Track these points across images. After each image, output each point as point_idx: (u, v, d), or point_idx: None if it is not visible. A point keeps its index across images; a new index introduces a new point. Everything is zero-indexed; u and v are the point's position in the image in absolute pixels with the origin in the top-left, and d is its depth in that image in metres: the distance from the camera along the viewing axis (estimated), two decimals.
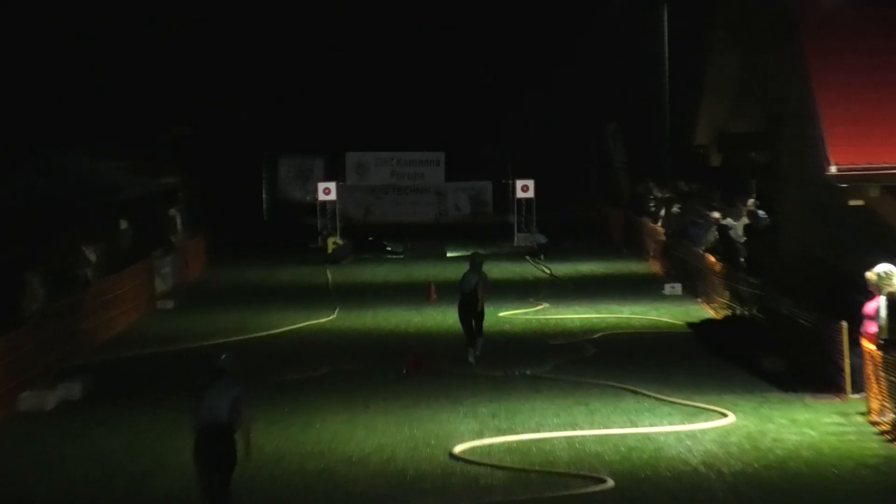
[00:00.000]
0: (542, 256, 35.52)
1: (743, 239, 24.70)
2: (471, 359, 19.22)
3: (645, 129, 42.38)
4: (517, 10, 48.77)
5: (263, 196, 45.83)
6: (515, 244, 40.45)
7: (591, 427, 14.94)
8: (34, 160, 27.95)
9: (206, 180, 40.27)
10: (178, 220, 33.44)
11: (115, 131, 35.92)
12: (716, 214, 27.56)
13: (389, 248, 38.72)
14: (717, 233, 25.93)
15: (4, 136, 30.03)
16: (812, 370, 17.13)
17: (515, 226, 41.44)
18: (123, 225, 28.69)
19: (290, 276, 32.70)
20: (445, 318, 23.79)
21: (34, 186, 25.94)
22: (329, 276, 32.22)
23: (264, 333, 22.78)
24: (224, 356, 11.31)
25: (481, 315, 19.57)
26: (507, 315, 24.31)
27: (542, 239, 36.65)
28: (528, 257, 35.32)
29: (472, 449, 13.98)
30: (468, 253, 37.99)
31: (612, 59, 45.64)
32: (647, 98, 42.16)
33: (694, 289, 26.26)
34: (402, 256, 37.61)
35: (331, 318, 24.58)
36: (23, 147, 29.16)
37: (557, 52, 48.96)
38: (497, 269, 33.21)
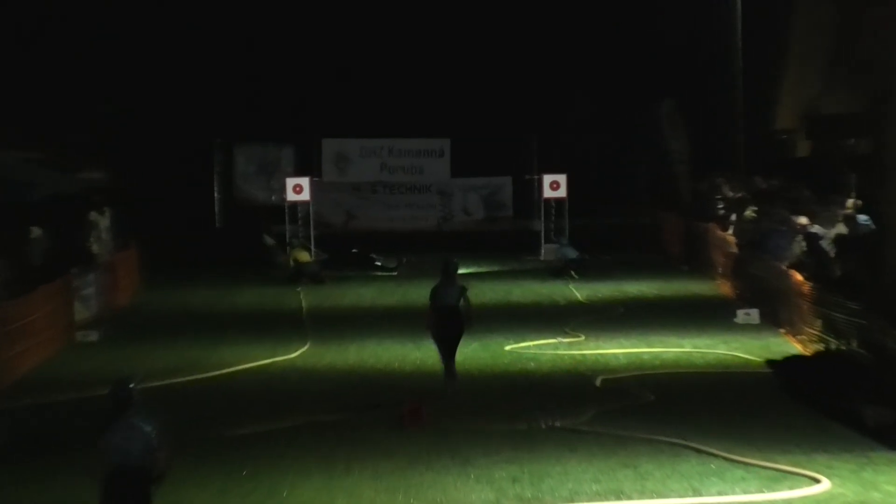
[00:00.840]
0: (573, 275, 35.64)
1: (837, 251, 24.67)
2: (449, 390, 20.32)
3: (711, 108, 42.36)
4: None
5: (215, 196, 45.81)
6: (543, 258, 40.45)
7: (642, 496, 14.90)
8: None
9: (141, 175, 40.27)
10: (104, 227, 33.40)
11: (22, 113, 35.92)
12: (802, 219, 27.58)
13: (379, 264, 38.90)
14: (804, 243, 25.89)
15: None
16: None
17: (543, 234, 41.43)
18: (35, 233, 28.70)
19: (250, 300, 32.84)
20: None
21: None
22: (302, 299, 32.32)
23: (216, 373, 22.77)
24: (132, 384, 11.82)
25: (458, 340, 20.43)
26: (526, 348, 24.36)
27: (571, 253, 36.77)
28: (572, 274, 35.49)
29: None
30: (481, 269, 38.67)
31: (666, 16, 45.64)
32: (713, 67, 42.15)
33: (775, 316, 26.32)
34: (395, 274, 37.88)
35: (302, 351, 24.64)
36: None
37: (595, 7, 48.94)
38: (518, 290, 33.31)
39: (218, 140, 46.08)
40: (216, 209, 45.87)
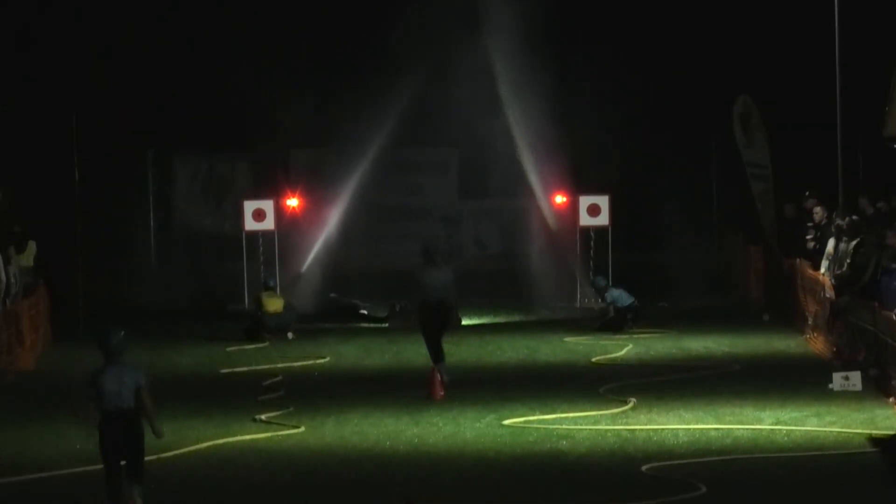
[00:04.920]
0: (632, 324, 35.77)
1: None
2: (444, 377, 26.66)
3: (798, 108, 42.33)
4: None
5: (151, 223, 45.77)
6: (579, 305, 40.30)
7: None
8: None
9: (49, 196, 40.11)
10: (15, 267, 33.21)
11: None
12: None
13: (365, 313, 39.10)
14: None
15: None
16: None
17: (578, 275, 41.27)
18: None
19: (194, 361, 33.03)
20: (459, 427, 23.92)
21: None
22: (262, 360, 32.41)
23: (150, 458, 22.36)
24: (121, 333, 16.77)
25: (446, 327, 26.54)
26: (558, 420, 24.29)
27: (624, 298, 36.48)
28: (630, 324, 35.71)
29: None
30: (498, 319, 38.41)
31: None
32: (799, 56, 42.16)
33: (884, 382, 26.24)
34: (385, 326, 37.98)
35: (263, 428, 24.47)
36: None
37: None
38: (547, 348, 33.21)
39: (153, 150, 45.95)
40: (152, 241, 45.84)
